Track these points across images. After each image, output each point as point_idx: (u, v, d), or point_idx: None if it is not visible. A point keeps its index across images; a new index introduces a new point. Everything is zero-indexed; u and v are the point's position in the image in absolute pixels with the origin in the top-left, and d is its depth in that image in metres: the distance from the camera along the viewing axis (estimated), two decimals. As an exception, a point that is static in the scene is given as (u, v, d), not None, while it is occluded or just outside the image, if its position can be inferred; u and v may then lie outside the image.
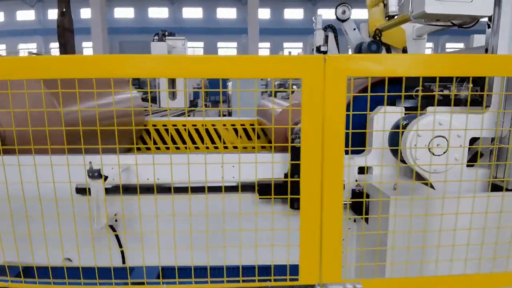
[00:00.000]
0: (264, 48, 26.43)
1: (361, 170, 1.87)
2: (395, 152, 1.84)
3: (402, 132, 1.79)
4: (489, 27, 1.61)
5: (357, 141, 2.12)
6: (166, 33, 5.07)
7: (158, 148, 4.00)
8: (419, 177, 1.77)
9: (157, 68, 1.25)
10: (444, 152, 1.64)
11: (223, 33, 27.91)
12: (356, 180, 1.84)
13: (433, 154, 1.64)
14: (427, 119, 1.62)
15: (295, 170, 1.47)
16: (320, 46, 4.45)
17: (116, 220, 1.88)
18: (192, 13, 28.35)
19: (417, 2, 1.55)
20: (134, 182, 1.64)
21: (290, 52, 22.79)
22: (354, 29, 4.23)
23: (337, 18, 4.20)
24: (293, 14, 29.21)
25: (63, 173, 1.40)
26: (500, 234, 1.44)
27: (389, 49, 4.24)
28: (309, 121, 1.26)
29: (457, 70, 1.15)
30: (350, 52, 4.40)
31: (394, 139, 1.81)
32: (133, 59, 1.22)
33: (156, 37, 4.90)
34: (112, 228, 1.87)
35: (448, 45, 28.68)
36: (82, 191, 1.70)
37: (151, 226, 1.51)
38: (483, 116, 1.64)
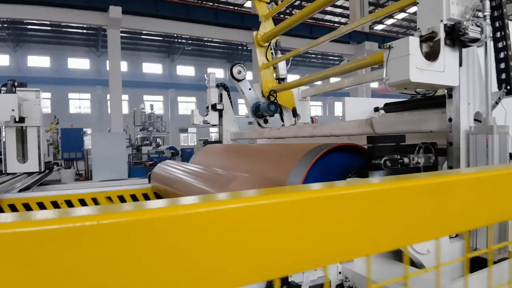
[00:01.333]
0: (122, 100, 25.01)
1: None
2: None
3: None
4: (450, 97, 1.60)
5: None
6: (16, 83, 3.92)
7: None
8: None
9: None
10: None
11: (75, 83, 25.14)
12: (340, 273, 1.50)
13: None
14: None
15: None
16: (216, 103, 4.20)
17: None
18: (39, 61, 24.88)
19: (397, 70, 1.43)
20: None
21: (151, 105, 22.04)
22: (250, 88, 4.18)
23: (233, 77, 4.08)
24: (152, 68, 28.93)
25: None
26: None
27: (280, 109, 4.32)
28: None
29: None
30: (246, 110, 4.30)
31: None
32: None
33: (4, 88, 3.71)
34: None
35: (336, 104, 33.01)
36: None
37: None
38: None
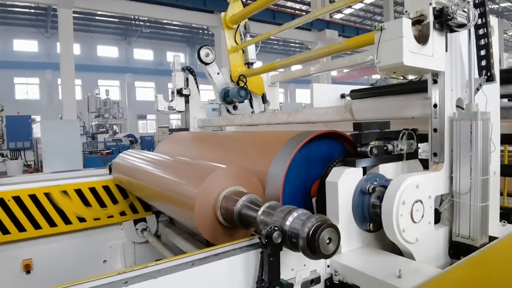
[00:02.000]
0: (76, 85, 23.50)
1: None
2: (362, 222, 1.56)
3: (368, 199, 1.54)
4: (435, 82, 1.58)
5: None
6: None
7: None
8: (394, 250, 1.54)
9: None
10: (422, 217, 1.46)
11: (21, 67, 22.99)
12: (328, 266, 1.44)
13: (414, 221, 1.43)
14: (407, 182, 1.41)
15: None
16: (181, 88, 3.97)
17: None
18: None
19: (389, 53, 1.37)
20: None
21: (107, 90, 20.82)
22: (218, 73, 4.00)
23: (201, 61, 3.87)
24: (107, 51, 27.30)
25: None
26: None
27: (251, 95, 4.20)
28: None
29: None
30: (212, 96, 4.12)
31: (364, 207, 1.53)
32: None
33: None
34: None
35: (297, 91, 32.99)
36: None
37: None
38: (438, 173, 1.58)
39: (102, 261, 3.27)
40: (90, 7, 13.18)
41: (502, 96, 2.25)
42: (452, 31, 1.53)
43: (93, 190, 3.17)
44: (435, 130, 1.62)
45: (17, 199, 2.76)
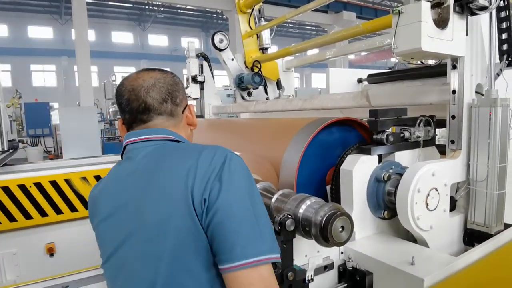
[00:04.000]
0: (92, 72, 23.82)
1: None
2: (376, 210, 1.56)
3: (384, 186, 1.53)
4: (454, 67, 1.53)
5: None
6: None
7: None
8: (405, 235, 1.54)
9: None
10: (437, 205, 1.45)
11: (37, 54, 23.37)
12: (342, 253, 1.46)
13: (428, 209, 1.43)
14: (423, 170, 1.40)
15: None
16: (196, 75, 3.98)
17: None
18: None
19: (407, 38, 1.33)
20: None
21: (123, 77, 20.95)
22: (232, 59, 3.98)
23: (215, 47, 3.85)
24: (122, 37, 27.43)
25: None
26: None
27: (265, 81, 4.17)
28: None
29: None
30: (229, 82, 4.11)
31: (379, 195, 1.53)
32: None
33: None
34: None
35: (313, 75, 32.68)
36: None
37: None
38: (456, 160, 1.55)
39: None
40: (104, -8, 13.20)
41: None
42: (473, 14, 1.47)
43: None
44: (453, 117, 1.58)
45: (39, 185, 2.87)
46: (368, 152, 1.55)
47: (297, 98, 2.84)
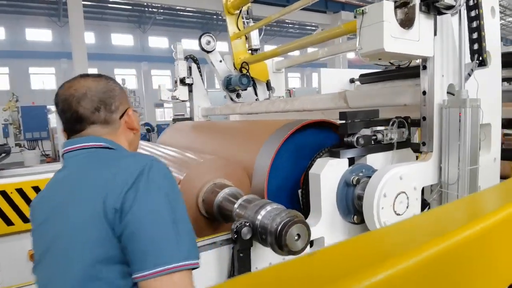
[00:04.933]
0: (92, 75, 23.67)
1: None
2: (346, 215, 1.53)
3: (353, 190, 1.50)
4: (424, 68, 1.51)
5: (290, 202, 1.71)
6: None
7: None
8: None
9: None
10: (406, 209, 1.42)
11: (36, 57, 23.46)
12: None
13: (397, 214, 1.40)
14: (390, 174, 1.37)
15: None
16: (184, 77, 3.96)
17: None
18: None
19: (370, 38, 1.30)
20: None
21: (123, 79, 21.08)
22: (220, 61, 3.96)
23: (202, 48, 3.83)
24: (122, 40, 27.48)
25: None
26: None
27: (254, 82, 4.15)
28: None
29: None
30: (217, 84, 4.08)
31: (348, 200, 1.50)
32: None
33: None
34: None
35: (313, 75, 32.55)
36: None
37: None
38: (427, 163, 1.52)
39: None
40: (101, -5, 13.18)
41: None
42: (440, 13, 1.44)
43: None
44: (424, 118, 1.56)
45: (20, 191, 2.85)
46: (337, 155, 1.53)
47: (279, 99, 2.82)
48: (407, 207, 1.44)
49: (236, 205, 1.35)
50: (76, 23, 11.65)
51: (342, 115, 1.56)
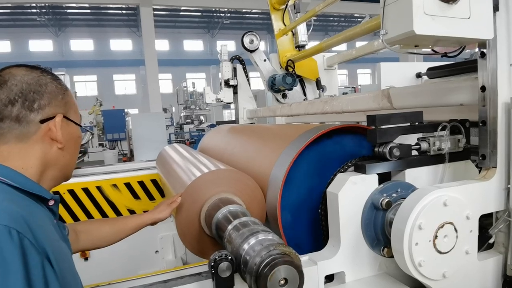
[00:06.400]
0: (165, 80, 25.26)
1: (328, 278, 1.20)
2: (375, 245, 1.21)
3: (383, 215, 1.18)
4: (482, 56, 1.11)
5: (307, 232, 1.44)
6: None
7: None
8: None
9: None
10: (454, 246, 1.06)
11: (119, 65, 25.98)
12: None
13: (439, 252, 1.04)
14: (428, 198, 1.02)
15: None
16: (228, 79, 3.84)
17: None
18: (82, 45, 25.88)
19: (396, 20, 0.97)
20: None
21: (193, 83, 22.10)
22: (265, 60, 3.75)
23: (245, 48, 3.67)
24: (193, 45, 28.87)
25: None
26: None
27: (302, 81, 3.87)
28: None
29: None
30: (263, 85, 3.90)
31: (377, 226, 1.18)
32: None
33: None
34: None
35: (358, 71, 31.42)
36: None
37: None
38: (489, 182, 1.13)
39: (154, 251, 3.42)
40: (169, 3, 13.94)
41: None
42: (505, -21, 1.05)
43: (141, 184, 3.29)
44: (483, 122, 1.16)
45: (71, 192, 3.00)
46: (362, 169, 1.22)
47: (319, 100, 2.51)
48: (456, 242, 1.07)
49: (230, 227, 1.13)
50: (148, 32, 12.47)
51: (370, 119, 1.25)
